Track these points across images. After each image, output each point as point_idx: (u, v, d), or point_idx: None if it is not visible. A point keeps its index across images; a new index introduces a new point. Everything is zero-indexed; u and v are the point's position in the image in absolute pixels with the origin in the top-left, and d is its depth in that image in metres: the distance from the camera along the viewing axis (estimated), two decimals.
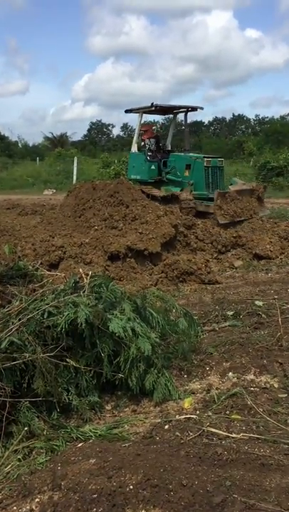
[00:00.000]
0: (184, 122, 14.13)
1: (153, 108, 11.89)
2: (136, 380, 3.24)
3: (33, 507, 2.23)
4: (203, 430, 2.79)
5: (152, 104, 11.79)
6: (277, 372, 3.53)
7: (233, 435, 2.71)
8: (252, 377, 3.47)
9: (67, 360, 3.17)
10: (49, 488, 2.32)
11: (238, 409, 3.02)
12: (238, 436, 2.70)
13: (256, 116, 68.38)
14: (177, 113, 13.36)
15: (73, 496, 2.23)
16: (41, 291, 3.64)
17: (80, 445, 2.78)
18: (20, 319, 3.17)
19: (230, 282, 6.78)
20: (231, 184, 11.80)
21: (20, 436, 2.81)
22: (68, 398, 3.08)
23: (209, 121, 67.96)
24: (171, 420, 2.98)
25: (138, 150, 12.70)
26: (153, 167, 12.09)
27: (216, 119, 68.12)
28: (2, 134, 47.97)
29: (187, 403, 3.17)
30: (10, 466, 2.62)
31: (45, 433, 2.88)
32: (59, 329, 3.13)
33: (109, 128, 66.12)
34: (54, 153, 33.17)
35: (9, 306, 3.39)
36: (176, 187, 11.54)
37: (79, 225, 8.28)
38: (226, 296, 5.81)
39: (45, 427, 2.94)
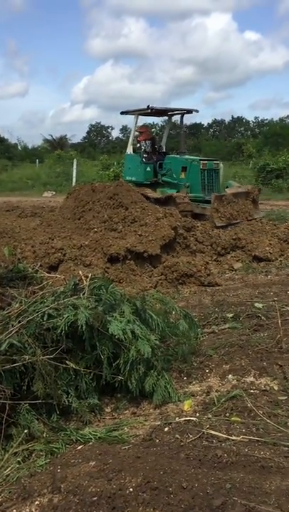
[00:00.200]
0: (180, 125, 14.18)
1: (149, 110, 12.02)
2: (136, 383, 3.24)
3: (33, 510, 2.22)
4: (203, 432, 2.79)
5: (148, 106, 11.91)
6: (277, 374, 3.52)
7: (233, 437, 2.71)
8: (252, 379, 3.47)
9: (67, 362, 3.17)
10: (49, 490, 2.31)
11: (238, 412, 3.01)
12: (238, 438, 2.70)
13: (255, 118, 68.39)
14: (172, 115, 13.47)
15: (73, 498, 2.23)
16: (41, 293, 3.64)
17: (79, 447, 2.77)
18: (20, 321, 3.17)
19: (230, 284, 6.78)
20: (227, 187, 11.94)
21: (20, 438, 2.81)
22: (68, 400, 3.08)
23: (208, 124, 68.09)
24: (171, 422, 2.98)
25: (133, 152, 12.77)
26: (148, 169, 12.16)
27: (215, 122, 68.25)
28: (1, 136, 47.97)
29: (187, 405, 3.16)
30: (9, 468, 2.61)
31: (44, 435, 2.88)
32: (59, 331, 3.13)
33: (109, 130, 66.20)
34: (53, 155, 33.20)
35: (9, 308, 3.39)
36: (172, 189, 11.62)
37: (78, 227, 8.29)
38: (226, 299, 5.80)
39: (44, 429, 2.93)
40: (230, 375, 3.55)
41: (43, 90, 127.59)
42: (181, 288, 6.59)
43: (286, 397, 3.18)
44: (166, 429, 2.92)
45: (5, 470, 2.60)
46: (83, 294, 3.57)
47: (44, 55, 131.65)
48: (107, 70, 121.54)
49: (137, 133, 12.95)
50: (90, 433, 2.91)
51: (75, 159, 24.11)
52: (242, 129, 66.60)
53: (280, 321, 4.21)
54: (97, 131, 66.38)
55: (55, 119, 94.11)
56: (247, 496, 2.14)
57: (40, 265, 6.04)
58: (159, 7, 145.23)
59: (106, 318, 3.32)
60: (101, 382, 3.28)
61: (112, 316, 3.39)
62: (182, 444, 2.69)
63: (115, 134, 66.27)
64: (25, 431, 2.84)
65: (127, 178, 12.30)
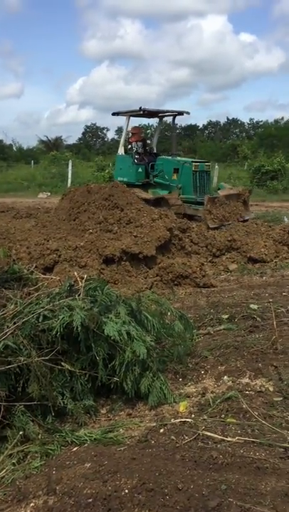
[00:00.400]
0: (172, 126, 14.31)
1: (141, 112, 12.10)
2: (131, 384, 3.24)
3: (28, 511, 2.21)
4: (199, 434, 2.79)
5: (140, 108, 12.00)
6: (272, 375, 3.53)
7: (229, 439, 2.71)
8: (247, 380, 3.48)
9: (62, 363, 3.16)
10: (44, 492, 2.31)
11: (234, 413, 3.02)
12: (234, 439, 2.70)
13: (250, 120, 68.52)
14: (163, 117, 13.56)
15: (68, 500, 2.22)
16: (36, 294, 3.64)
17: (75, 449, 2.77)
18: (15, 323, 3.16)
19: (225, 286, 6.79)
20: (219, 189, 12.14)
21: (15, 440, 2.80)
22: (63, 402, 3.07)
23: (204, 125, 68.24)
24: (166, 424, 2.98)
25: (125, 152, 12.84)
26: (140, 170, 12.25)
27: (210, 123, 68.39)
28: None
29: (182, 407, 3.16)
30: (4, 470, 2.61)
31: (40, 437, 2.87)
32: (54, 333, 3.13)
33: (104, 131, 66.18)
34: (49, 156, 33.15)
35: (4, 310, 3.38)
36: (164, 190, 11.73)
37: (74, 228, 8.26)
38: (221, 300, 5.81)
39: (40, 431, 2.93)
40: (225, 377, 3.56)
41: (38, 91, 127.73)
42: (176, 289, 6.59)
43: (281, 399, 3.18)
44: (161, 430, 2.92)
45: (0, 472, 2.59)
46: (78, 295, 3.57)
47: (39, 55, 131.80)
48: (103, 71, 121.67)
49: (128, 134, 13.02)
50: (86, 434, 2.91)
51: (70, 160, 24.09)
52: (237, 130, 66.77)
53: (275, 323, 4.21)
54: (93, 133, 66.38)
55: (50, 120, 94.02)
56: (242, 497, 2.14)
57: (36, 266, 6.03)
58: (155, 8, 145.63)
59: (101, 319, 3.31)
60: (96, 384, 3.28)
61: (108, 318, 3.39)
62: (178, 445, 2.69)
63: (111, 135, 66.25)
64: (21, 432, 2.84)
65: (119, 178, 12.37)
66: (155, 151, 13.26)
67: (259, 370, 3.60)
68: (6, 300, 3.63)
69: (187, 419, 2.99)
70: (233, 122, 67.76)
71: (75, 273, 4.49)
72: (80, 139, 62.97)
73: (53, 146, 44.00)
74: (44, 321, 3.21)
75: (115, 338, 3.23)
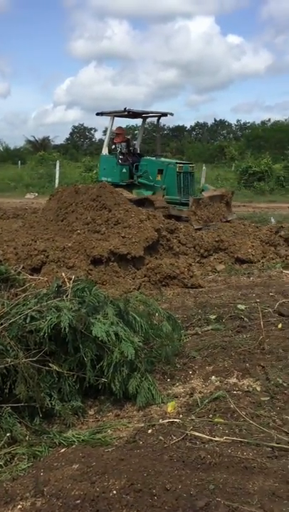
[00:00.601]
0: (156, 127, 14.41)
1: (126, 113, 12.17)
2: (119, 385, 3.24)
3: None
4: (187, 434, 2.80)
5: (125, 108, 12.07)
6: (260, 375, 3.55)
7: (216, 438, 2.72)
8: (234, 380, 3.49)
9: (50, 364, 3.15)
10: (31, 494, 2.29)
11: (221, 413, 3.03)
12: (221, 439, 2.71)
13: (238, 121, 69.10)
14: (146, 117, 13.63)
15: (56, 501, 2.21)
16: (23, 295, 3.61)
17: (62, 450, 2.75)
18: (2, 324, 3.14)
19: (213, 286, 6.82)
20: (203, 190, 12.29)
21: (2, 442, 2.78)
22: (51, 403, 3.06)
23: (191, 126, 68.52)
24: (154, 424, 2.98)
25: (109, 153, 12.87)
26: (124, 170, 12.33)
27: (197, 124, 68.66)
28: None
29: (170, 407, 3.17)
30: None
31: (27, 439, 2.86)
32: (42, 334, 3.11)
33: (92, 132, 66.00)
34: (36, 156, 32.98)
35: None
36: (148, 191, 11.83)
37: (61, 229, 8.23)
38: (209, 300, 5.84)
39: (27, 432, 2.91)
40: (213, 377, 3.57)
41: (25, 91, 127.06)
42: (164, 290, 6.60)
43: (268, 398, 3.21)
44: (149, 431, 2.92)
45: None
46: (66, 296, 3.56)
47: (26, 55, 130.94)
48: (90, 72, 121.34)
49: (113, 134, 13.06)
50: (74, 436, 2.90)
51: (58, 161, 23.97)
52: (224, 131, 67.12)
53: (262, 323, 4.25)
54: (80, 133, 66.20)
55: (37, 120, 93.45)
56: (230, 496, 2.15)
57: (23, 267, 5.99)
58: (142, 9, 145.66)
59: (89, 320, 3.31)
60: (84, 385, 3.27)
61: (96, 318, 3.38)
62: (166, 445, 2.70)
63: (98, 135, 65.95)
64: (8, 434, 2.82)
65: (103, 178, 12.45)
66: (139, 152, 13.34)
67: (246, 370, 3.62)
68: None
69: (175, 420, 3.00)
70: (221, 123, 68.14)
71: (63, 274, 4.48)
72: (67, 139, 62.79)
73: (40, 146, 43.79)
74: (31, 322, 3.19)
75: (103, 339, 3.22)
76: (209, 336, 4.47)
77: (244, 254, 8.13)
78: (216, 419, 2.95)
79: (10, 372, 2.95)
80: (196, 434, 2.79)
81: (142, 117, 13.60)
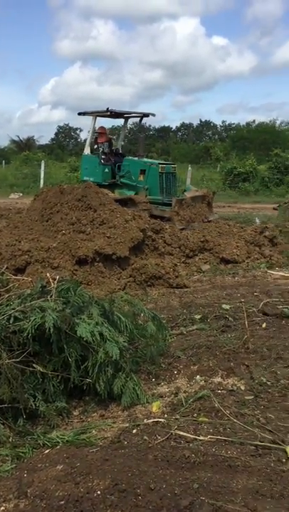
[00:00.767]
0: (139, 128, 14.48)
1: (108, 113, 12.20)
2: (104, 385, 3.22)
3: None
4: (171, 433, 2.80)
5: (107, 109, 12.13)
6: (244, 374, 3.58)
7: (201, 438, 2.73)
8: (219, 379, 3.51)
9: (34, 365, 3.13)
10: (15, 496, 2.27)
11: (206, 412, 3.04)
12: (206, 438, 2.72)
13: (223, 122, 69.69)
14: (128, 118, 13.68)
15: (40, 503, 2.20)
16: (7, 295, 3.59)
17: (47, 452, 2.74)
18: None
19: (198, 286, 6.85)
20: (185, 190, 12.41)
21: None
22: (35, 404, 3.03)
23: (177, 127, 68.77)
24: (139, 424, 2.98)
25: (91, 152, 12.90)
26: (107, 170, 12.36)
27: (183, 125, 68.92)
28: None
29: (155, 407, 3.17)
30: None
31: (10, 440, 2.83)
32: (25, 334, 3.09)
33: (77, 132, 65.69)
34: (21, 156, 32.78)
35: None
36: (131, 191, 11.88)
37: (46, 229, 8.18)
38: (194, 300, 5.86)
39: (10, 434, 2.89)
40: (198, 376, 3.58)
41: (9, 91, 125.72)
42: (149, 290, 6.61)
43: (252, 397, 3.23)
44: (134, 430, 2.92)
45: None
46: (51, 296, 3.53)
47: (11, 55, 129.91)
48: (76, 72, 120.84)
49: (95, 134, 13.08)
50: (58, 437, 2.88)
51: (42, 161, 23.84)
52: (210, 132, 67.49)
53: (246, 322, 4.27)
54: (66, 133, 65.89)
55: (22, 120, 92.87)
56: (214, 495, 2.16)
57: (7, 267, 5.93)
58: (128, 10, 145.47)
59: (74, 320, 3.29)
60: (69, 385, 3.25)
61: (80, 319, 3.36)
62: (150, 445, 2.70)
63: (84, 135, 65.78)
64: None
65: (85, 178, 12.49)
66: (121, 152, 13.38)
67: (231, 370, 3.64)
68: None
69: (160, 419, 3.00)
70: (206, 124, 68.48)
71: (48, 274, 4.45)
72: (52, 139, 62.51)
73: (24, 146, 43.54)
74: (15, 322, 3.17)
75: (88, 339, 3.21)
76: (194, 336, 4.49)
77: (229, 254, 8.17)
78: (200, 419, 2.96)
79: None
80: (181, 433, 2.80)
81: (124, 117, 13.65)
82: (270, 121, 48.92)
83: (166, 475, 2.32)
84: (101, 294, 5.73)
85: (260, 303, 5.34)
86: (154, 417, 3.05)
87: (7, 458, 2.70)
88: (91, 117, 12.86)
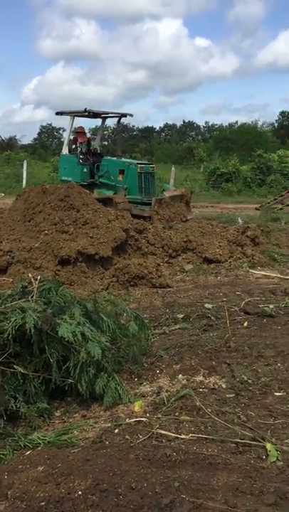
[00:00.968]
0: (117, 129, 14.53)
1: (86, 113, 12.24)
2: (86, 385, 3.22)
3: None
4: (153, 432, 2.81)
5: (85, 109, 12.18)
6: (226, 372, 3.60)
7: (182, 436, 2.75)
8: (201, 378, 3.53)
9: (15, 366, 3.11)
10: None
11: (187, 411, 3.06)
12: (187, 437, 2.73)
13: (206, 123, 69.95)
14: (106, 118, 13.73)
15: (20, 504, 2.19)
16: None
17: (28, 453, 2.72)
18: None
19: (181, 286, 6.87)
20: (164, 190, 12.49)
21: None
22: (16, 406, 3.01)
23: (160, 127, 69.04)
24: (121, 424, 2.98)
25: (69, 152, 12.91)
26: (85, 170, 12.40)
27: (166, 125, 69.19)
28: None
29: (137, 406, 3.17)
30: None
31: None
32: (6, 335, 3.07)
33: (60, 132, 65.30)
34: (2, 156, 32.46)
35: None
36: (110, 190, 11.95)
37: (28, 229, 8.12)
38: (177, 300, 5.88)
39: None
40: (180, 375, 3.60)
41: None
42: (132, 290, 6.60)
43: (234, 395, 3.25)
44: (116, 430, 2.92)
45: None
46: (32, 296, 3.52)
47: None
48: (59, 71, 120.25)
49: (73, 134, 13.09)
50: (39, 438, 2.87)
51: (25, 161, 23.65)
52: (193, 133, 67.83)
53: (228, 321, 4.31)
54: (48, 133, 65.57)
55: (4, 119, 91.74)
56: (195, 493, 2.17)
57: None
58: (110, 10, 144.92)
59: (55, 320, 3.27)
60: (50, 386, 3.24)
61: (62, 319, 3.35)
62: (132, 444, 2.70)
63: (67, 135, 65.59)
64: None
65: (63, 178, 12.53)
66: (99, 152, 13.41)
67: (213, 368, 3.67)
68: None
69: (142, 419, 3.01)
70: (189, 125, 68.83)
71: (29, 274, 4.42)
72: (35, 139, 62.15)
73: (6, 145, 43.12)
74: None
75: (69, 340, 3.20)
76: (177, 335, 4.50)
77: (212, 254, 8.21)
78: (182, 417, 2.97)
79: None
80: (162, 432, 2.81)
81: (101, 117, 13.67)
82: (252, 122, 49.43)
83: (147, 474, 2.33)
84: (84, 294, 5.72)
85: (241, 302, 5.38)
86: (136, 417, 3.05)
87: None
88: (69, 117, 12.87)
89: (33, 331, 3.09)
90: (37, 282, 3.71)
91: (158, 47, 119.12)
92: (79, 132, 13.08)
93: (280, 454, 2.51)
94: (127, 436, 2.80)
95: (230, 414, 3.00)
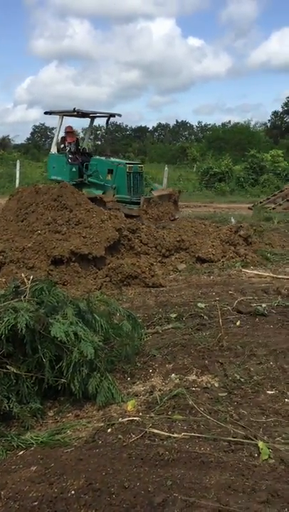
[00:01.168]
0: (105, 128, 14.57)
1: (75, 112, 12.28)
2: (79, 385, 3.22)
3: None
4: (146, 432, 2.82)
5: (74, 109, 12.24)
6: (218, 371, 3.62)
7: (175, 435, 2.75)
8: (194, 377, 3.54)
9: (8, 366, 3.10)
10: None
11: (180, 410, 3.07)
12: (180, 435, 2.74)
13: (199, 123, 70.21)
14: (94, 118, 13.76)
15: (13, 504, 2.19)
16: None
17: (21, 453, 2.72)
18: None
19: (174, 285, 6.88)
20: (152, 190, 12.56)
21: None
22: (9, 406, 3.01)
23: (153, 127, 69.07)
24: (114, 423, 2.99)
25: (57, 151, 12.93)
26: (74, 169, 12.43)
27: (160, 125, 69.25)
28: None
29: (130, 405, 3.18)
30: None
31: None
32: None
33: (53, 132, 65.16)
34: None
35: None
36: (98, 190, 12.00)
37: (21, 229, 8.11)
38: (170, 299, 5.89)
39: None
40: (173, 374, 3.61)
41: None
42: (125, 289, 6.61)
43: (226, 394, 3.27)
44: (109, 430, 2.92)
45: None
46: (24, 296, 3.51)
47: None
48: (52, 71, 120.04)
49: (62, 133, 13.11)
50: (32, 438, 2.86)
51: (18, 160, 23.58)
52: (186, 133, 67.92)
53: (221, 320, 4.32)
54: (42, 133, 65.40)
55: None
56: (187, 491, 2.18)
57: None
58: (104, 9, 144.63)
59: (48, 320, 3.27)
60: (43, 386, 3.23)
61: (55, 319, 3.35)
62: (125, 444, 2.71)
63: (60, 135, 65.42)
64: None
65: (52, 177, 12.58)
66: (87, 151, 13.45)
67: (205, 367, 3.68)
68: None
69: (135, 418, 3.01)
70: (182, 125, 68.91)
71: (22, 274, 4.41)
72: (28, 139, 62.00)
73: None
74: None
75: (62, 339, 3.19)
76: (169, 335, 4.51)
77: (205, 253, 8.23)
78: (174, 416, 2.98)
79: None
80: (155, 431, 2.82)
81: (90, 117, 13.70)
82: (245, 122, 49.52)
83: (140, 473, 2.33)
84: (77, 294, 5.72)
85: (234, 301, 5.40)
86: (129, 416, 3.05)
87: None
88: (58, 116, 12.89)
89: (24, 330, 3.08)
90: (30, 282, 3.70)
91: (151, 47, 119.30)
92: (68, 132, 13.09)
93: (271, 452, 2.53)
94: (119, 436, 2.81)
95: (223, 412, 3.01)
